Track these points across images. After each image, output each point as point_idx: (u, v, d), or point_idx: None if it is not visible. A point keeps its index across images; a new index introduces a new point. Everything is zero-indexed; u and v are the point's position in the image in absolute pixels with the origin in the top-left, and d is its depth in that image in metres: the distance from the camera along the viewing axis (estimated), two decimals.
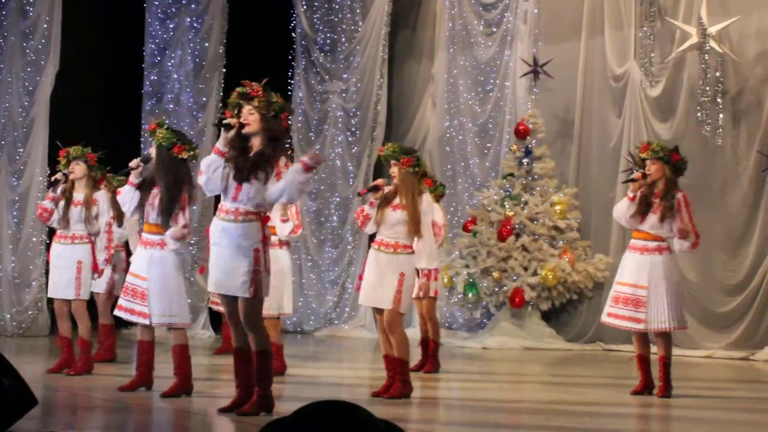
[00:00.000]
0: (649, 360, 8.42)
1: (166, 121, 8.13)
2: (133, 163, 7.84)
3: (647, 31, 13.51)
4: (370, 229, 7.99)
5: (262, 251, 6.60)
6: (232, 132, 6.66)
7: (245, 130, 6.64)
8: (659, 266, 8.26)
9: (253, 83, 6.76)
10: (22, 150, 14.00)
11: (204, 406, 7.22)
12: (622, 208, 8.43)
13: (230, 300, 6.75)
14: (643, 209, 8.30)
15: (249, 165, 6.60)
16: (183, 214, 7.60)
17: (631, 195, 8.36)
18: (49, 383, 8.47)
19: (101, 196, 9.19)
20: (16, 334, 13.57)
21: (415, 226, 7.79)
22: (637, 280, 8.28)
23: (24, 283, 13.87)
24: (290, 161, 9.69)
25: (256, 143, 6.67)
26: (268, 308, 9.24)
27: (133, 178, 7.82)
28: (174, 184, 7.62)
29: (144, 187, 7.77)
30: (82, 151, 9.17)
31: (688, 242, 8.28)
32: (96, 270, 9.12)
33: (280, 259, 9.29)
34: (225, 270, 6.65)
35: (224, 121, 6.73)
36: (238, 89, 6.78)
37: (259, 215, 6.66)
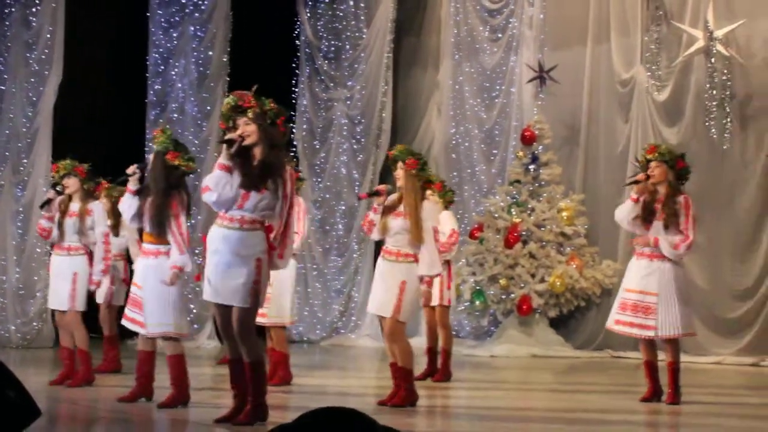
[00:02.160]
0: (656, 367, 8.32)
1: (171, 130, 8.09)
2: (129, 170, 7.80)
3: (653, 36, 13.44)
4: (375, 235, 7.95)
5: (264, 261, 6.51)
6: (235, 147, 6.57)
7: (246, 142, 6.56)
8: (669, 272, 8.15)
9: (245, 93, 6.66)
10: (26, 160, 13.96)
11: (205, 416, 7.14)
12: (625, 210, 8.30)
13: (224, 310, 6.63)
14: (646, 216, 8.19)
15: (258, 173, 6.51)
16: (177, 224, 7.49)
17: (635, 196, 8.25)
18: (52, 395, 8.42)
19: (96, 206, 9.14)
20: (21, 345, 13.51)
21: (417, 233, 7.69)
22: (646, 286, 8.16)
23: (28, 294, 13.82)
24: (294, 169, 9.67)
25: (257, 153, 6.57)
26: (275, 316, 9.24)
27: (131, 184, 7.77)
28: (164, 191, 7.52)
29: (143, 195, 7.71)
30: (71, 165, 9.15)
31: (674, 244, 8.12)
32: (92, 282, 9.02)
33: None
34: (223, 279, 6.53)
35: (228, 137, 6.63)
36: (229, 101, 6.69)
37: (263, 224, 6.58)
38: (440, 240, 9.86)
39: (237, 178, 6.54)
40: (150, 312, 7.60)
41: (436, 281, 10.00)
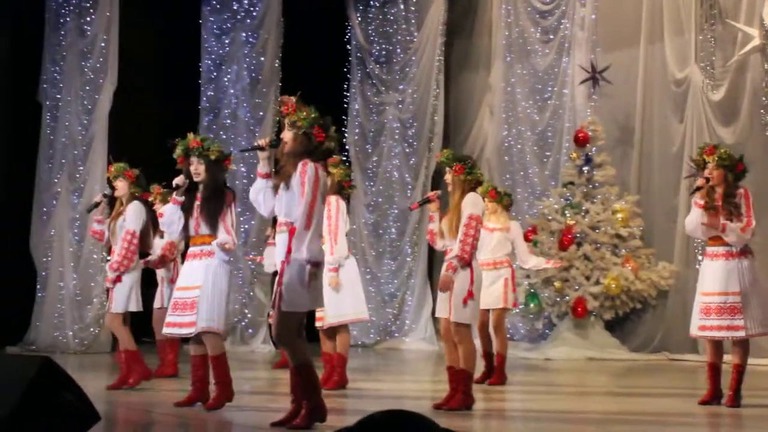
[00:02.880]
0: (720, 370, 8.22)
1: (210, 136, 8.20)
2: (179, 180, 7.77)
3: (708, 35, 13.29)
4: (440, 245, 7.91)
5: (284, 263, 6.54)
6: (266, 153, 6.72)
7: (286, 149, 6.64)
8: (749, 270, 8.04)
9: (290, 99, 6.72)
10: (82, 168, 14.13)
11: (261, 419, 7.17)
12: (694, 219, 8.18)
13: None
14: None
15: (278, 178, 6.64)
16: (230, 216, 7.57)
17: (701, 202, 8.13)
18: (110, 399, 8.48)
19: (132, 206, 9.13)
20: (79, 350, 13.66)
21: (454, 229, 7.68)
22: (727, 287, 8.03)
23: (86, 300, 13.96)
24: (347, 178, 9.65)
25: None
26: (333, 316, 9.22)
27: (178, 195, 7.77)
28: (219, 189, 7.66)
29: (186, 206, 7.72)
30: (121, 169, 9.21)
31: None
32: (107, 280, 9.07)
33: (345, 266, 9.26)
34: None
35: (254, 144, 6.81)
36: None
37: (290, 226, 6.60)
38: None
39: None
40: (205, 309, 7.59)
41: (500, 284, 10.03)
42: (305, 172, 6.50)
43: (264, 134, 14.93)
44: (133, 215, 9.06)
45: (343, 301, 9.27)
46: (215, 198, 7.61)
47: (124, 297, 9.08)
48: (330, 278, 9.08)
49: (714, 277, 8.09)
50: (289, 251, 6.53)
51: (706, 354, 8.35)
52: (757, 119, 12.67)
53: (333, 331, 9.43)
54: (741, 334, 8.02)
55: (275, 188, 6.68)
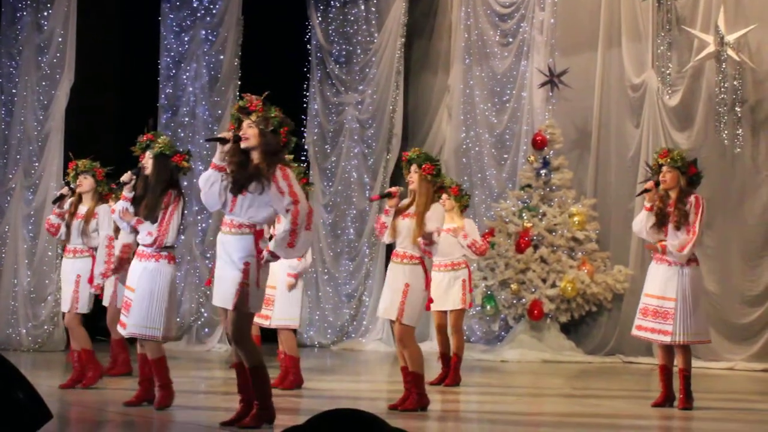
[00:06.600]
0: (671, 372, 8.31)
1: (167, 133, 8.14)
2: (125, 177, 7.79)
3: (665, 40, 13.41)
4: (386, 238, 7.93)
5: (253, 265, 6.51)
6: (228, 145, 6.65)
7: (243, 145, 6.60)
8: (688, 278, 8.14)
9: (253, 97, 6.71)
10: (37, 164, 13.99)
11: (213, 419, 7.14)
12: (642, 220, 8.32)
13: (224, 312, 6.71)
14: (660, 221, 8.19)
15: (244, 178, 6.55)
16: (166, 218, 7.50)
17: (648, 205, 8.25)
18: (64, 397, 8.43)
19: (102, 210, 9.11)
20: (32, 348, 13.53)
21: (418, 232, 7.69)
22: (665, 292, 8.13)
23: (39, 297, 13.84)
24: (303, 175, 9.65)
25: (255, 157, 6.63)
26: (283, 318, 9.24)
27: (127, 192, 7.77)
28: (164, 188, 7.59)
29: (137, 202, 7.70)
30: (90, 165, 9.14)
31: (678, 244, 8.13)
32: (91, 284, 8.99)
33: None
34: (219, 281, 6.67)
35: (219, 135, 6.77)
36: (239, 102, 6.77)
37: (253, 228, 6.58)
38: (476, 245, 9.96)
39: (228, 183, 6.64)
40: (135, 312, 7.56)
41: (458, 285, 10.04)
42: (287, 176, 6.49)
43: (222, 132, 14.86)
44: (106, 220, 9.01)
45: (294, 305, 9.31)
46: (153, 194, 7.58)
47: (87, 298, 9.05)
48: (290, 283, 9.17)
49: (654, 280, 8.24)
50: (259, 252, 6.51)
51: (658, 356, 8.46)
52: (712, 125, 12.80)
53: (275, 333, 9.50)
54: (666, 339, 8.14)
55: (238, 187, 6.59)
